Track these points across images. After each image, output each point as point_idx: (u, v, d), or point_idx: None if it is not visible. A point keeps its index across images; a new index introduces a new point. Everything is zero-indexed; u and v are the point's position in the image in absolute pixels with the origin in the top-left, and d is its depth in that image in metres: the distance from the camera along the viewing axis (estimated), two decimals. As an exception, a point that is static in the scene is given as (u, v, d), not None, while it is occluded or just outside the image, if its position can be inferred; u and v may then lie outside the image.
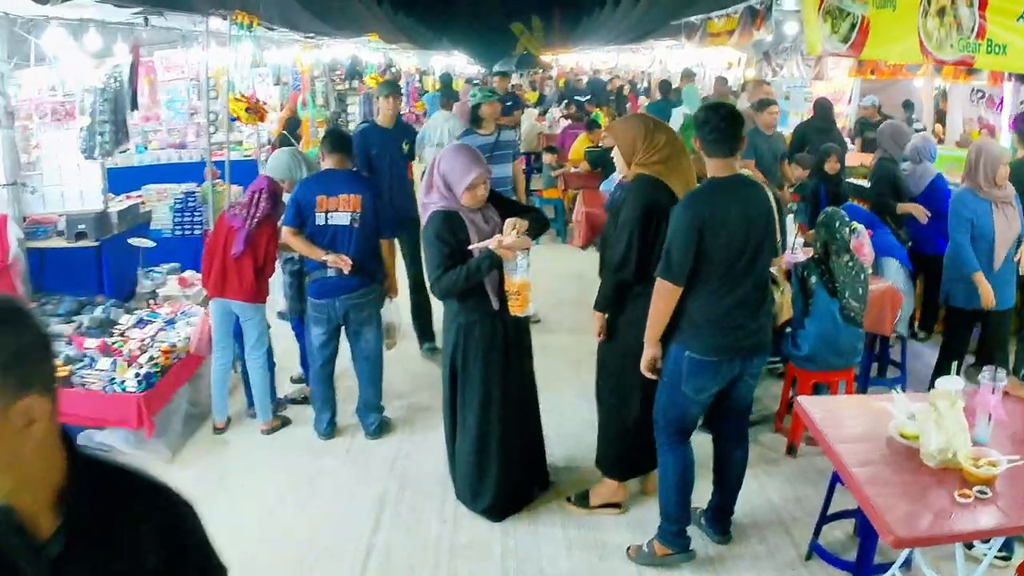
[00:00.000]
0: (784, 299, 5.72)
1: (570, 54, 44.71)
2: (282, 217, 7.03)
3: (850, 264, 6.88)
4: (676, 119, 14.46)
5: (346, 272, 6.81)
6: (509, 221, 5.43)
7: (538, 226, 5.73)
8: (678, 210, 5.03)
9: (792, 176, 10.21)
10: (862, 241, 7.14)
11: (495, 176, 7.86)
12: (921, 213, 8.62)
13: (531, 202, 15.35)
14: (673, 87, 17.62)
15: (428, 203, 5.63)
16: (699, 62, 21.69)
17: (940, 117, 16.47)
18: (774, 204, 5.28)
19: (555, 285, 11.31)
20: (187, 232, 10.48)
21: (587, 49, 38.18)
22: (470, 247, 5.46)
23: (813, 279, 6.85)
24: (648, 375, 5.35)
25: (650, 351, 5.31)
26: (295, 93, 15.04)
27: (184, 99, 13.38)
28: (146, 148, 13.69)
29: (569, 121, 19.96)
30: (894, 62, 11.44)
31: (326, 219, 6.82)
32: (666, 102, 16.68)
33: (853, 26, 8.08)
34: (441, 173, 5.52)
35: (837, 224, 6.92)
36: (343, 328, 7.21)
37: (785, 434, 7.28)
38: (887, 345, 8.53)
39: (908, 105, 15.69)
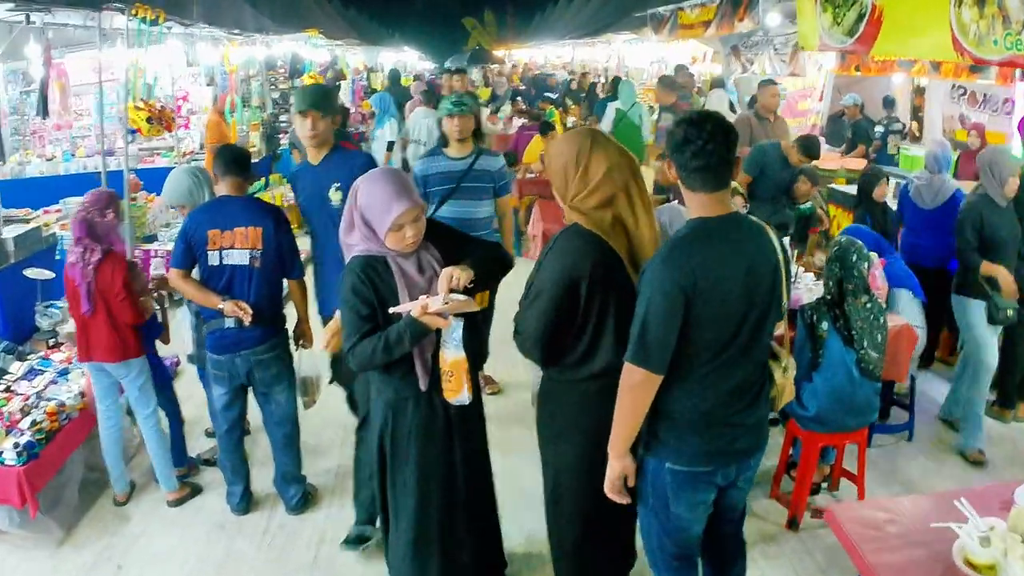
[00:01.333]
0: (787, 379, 4.19)
1: (524, 49, 43.36)
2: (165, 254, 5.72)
3: (868, 306, 5.64)
4: (608, 115, 13.95)
5: (247, 322, 5.47)
6: (445, 273, 3.99)
7: (492, 272, 4.40)
8: (655, 269, 3.65)
9: (799, 193, 8.96)
10: (874, 272, 5.95)
11: (462, 217, 6.96)
12: (1010, 286, 6.76)
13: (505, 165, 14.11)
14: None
15: (349, 244, 4.22)
16: (660, 57, 20.41)
17: (915, 114, 15.37)
18: (781, 251, 3.88)
19: (510, 308, 10.00)
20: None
21: (541, 44, 36.80)
22: (391, 310, 4.06)
23: (825, 325, 5.61)
24: (614, 497, 3.96)
25: (617, 465, 3.89)
26: (223, 95, 13.61)
27: (114, 102, 12.60)
28: (73, 155, 12.55)
29: (524, 121, 18.62)
30: (915, 59, 10.17)
31: (220, 258, 5.47)
32: (604, 99, 16.02)
33: (861, 16, 6.83)
34: (359, 208, 4.09)
35: (854, 258, 5.64)
36: (249, 388, 5.90)
37: (784, 503, 6.07)
38: (891, 384, 7.31)
39: (888, 102, 14.50)
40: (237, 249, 5.44)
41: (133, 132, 8.94)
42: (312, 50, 18.94)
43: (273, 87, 18.24)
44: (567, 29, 29.96)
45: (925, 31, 5.98)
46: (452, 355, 4.06)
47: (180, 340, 6.85)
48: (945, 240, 7.57)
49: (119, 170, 12.20)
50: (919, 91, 15.67)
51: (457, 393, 4.13)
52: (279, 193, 13.73)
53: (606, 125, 14.39)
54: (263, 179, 13.93)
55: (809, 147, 8.68)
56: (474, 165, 7.03)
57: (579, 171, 3.90)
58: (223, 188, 5.65)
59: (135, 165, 13.09)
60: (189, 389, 7.28)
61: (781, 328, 4.25)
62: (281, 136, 17.01)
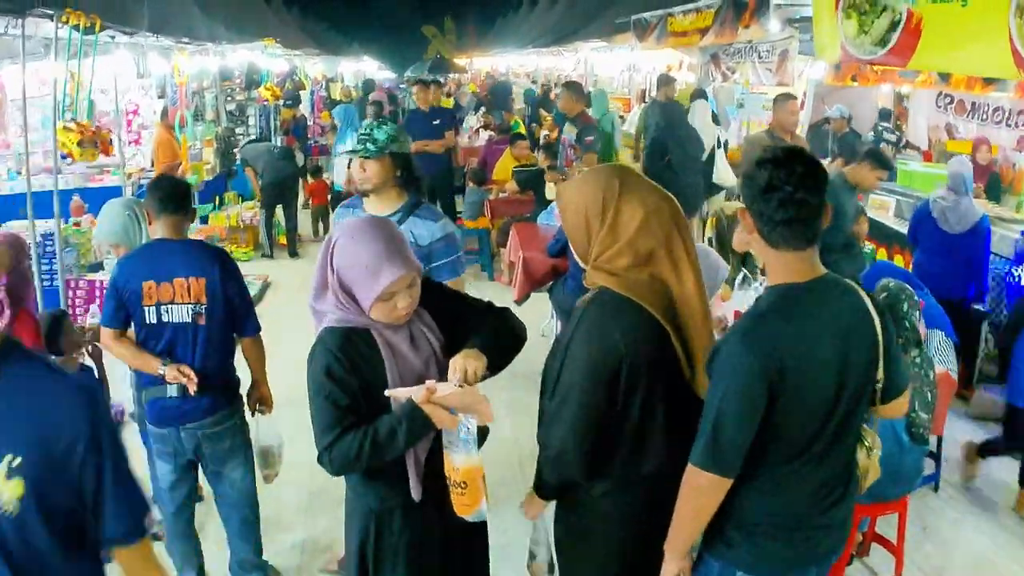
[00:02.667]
0: (871, 461, 3.30)
1: (485, 57, 42.41)
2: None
3: (918, 361, 4.87)
4: None
5: (192, 391, 4.49)
6: (456, 366, 3.09)
7: (507, 350, 3.39)
8: (732, 353, 2.85)
9: (859, 235, 7.87)
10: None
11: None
12: None
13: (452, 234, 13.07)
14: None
15: (320, 311, 3.30)
16: (631, 64, 19.51)
17: (895, 124, 14.58)
18: (880, 320, 3.01)
19: None
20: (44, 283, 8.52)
21: (504, 52, 35.87)
22: (388, 392, 3.12)
23: (871, 385, 4.69)
24: None
25: (674, 566, 3.11)
26: (173, 109, 12.61)
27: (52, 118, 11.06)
28: (19, 174, 11.56)
29: (491, 133, 17.66)
30: (965, 76, 9.33)
31: (158, 315, 4.52)
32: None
33: (895, 25, 5.94)
34: (337, 269, 3.16)
35: (906, 307, 4.81)
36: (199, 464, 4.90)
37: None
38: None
39: (885, 114, 13.66)
40: (177, 304, 4.50)
41: (64, 157, 7.90)
42: (269, 60, 17.94)
43: (229, 99, 17.21)
44: (531, 36, 29.11)
45: (976, 43, 5.11)
46: (464, 460, 3.10)
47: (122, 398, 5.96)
48: (967, 268, 7.15)
49: (67, 189, 11.35)
50: (899, 99, 14.94)
51: (473, 507, 3.17)
52: (234, 213, 12.76)
53: None
54: (216, 198, 12.90)
55: (883, 159, 7.78)
56: (410, 217, 4.77)
57: (606, 223, 3.08)
58: (158, 229, 4.69)
59: (82, 184, 12.23)
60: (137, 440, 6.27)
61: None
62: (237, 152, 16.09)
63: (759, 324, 2.90)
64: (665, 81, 13.84)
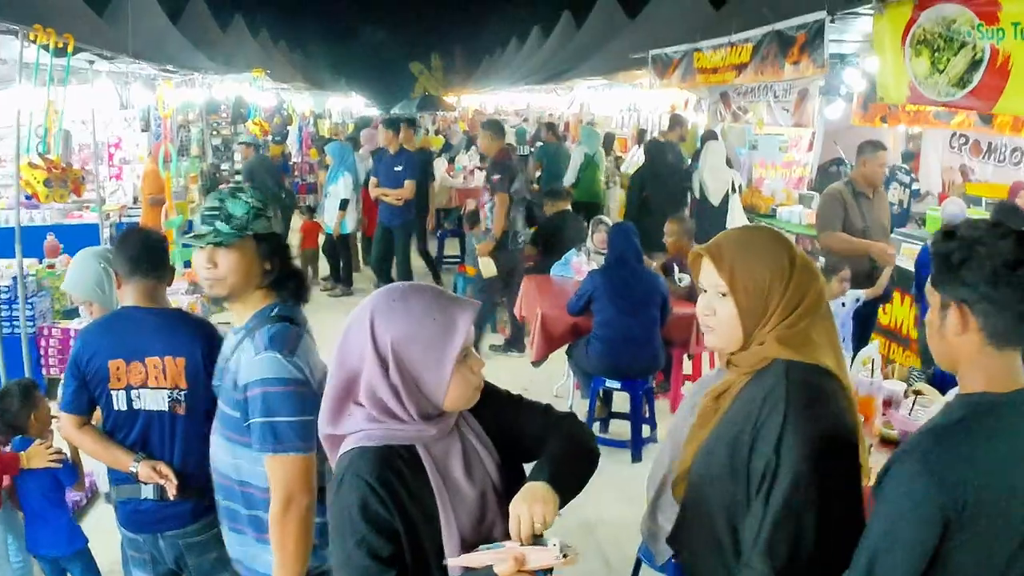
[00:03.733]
0: None
1: (474, 95, 41.64)
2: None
3: None
4: (576, 158, 14.21)
5: (172, 494, 3.58)
6: (521, 518, 2.23)
7: (581, 476, 2.54)
8: (907, 477, 2.20)
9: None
10: None
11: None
12: None
13: (447, 280, 12.61)
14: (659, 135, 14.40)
15: (339, 435, 2.39)
16: (631, 104, 18.71)
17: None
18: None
19: None
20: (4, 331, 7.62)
21: (494, 90, 35.08)
22: (448, 562, 2.30)
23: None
24: None
25: None
26: (157, 143, 11.71)
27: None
28: None
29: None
30: None
31: (128, 401, 3.60)
32: (557, 145, 16.05)
33: (975, 63, 5.11)
34: (393, 348, 2.30)
35: None
36: (181, 576, 3.95)
37: None
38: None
39: (908, 156, 12.83)
40: (151, 388, 3.58)
41: (28, 197, 7.01)
42: (257, 93, 17.09)
43: (215, 133, 16.32)
44: (521, 74, 28.39)
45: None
46: None
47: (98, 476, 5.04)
48: None
49: (42, 226, 10.47)
50: (908, 139, 14.18)
51: None
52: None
53: (572, 169, 14.22)
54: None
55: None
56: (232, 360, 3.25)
57: (785, 288, 2.55)
58: (129, 295, 3.75)
59: (59, 220, 11.37)
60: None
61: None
62: (224, 188, 15.04)
63: (945, 443, 2.19)
64: (677, 121, 13.04)
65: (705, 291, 2.64)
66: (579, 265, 8.66)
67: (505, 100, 34.01)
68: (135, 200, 12.52)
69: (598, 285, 7.11)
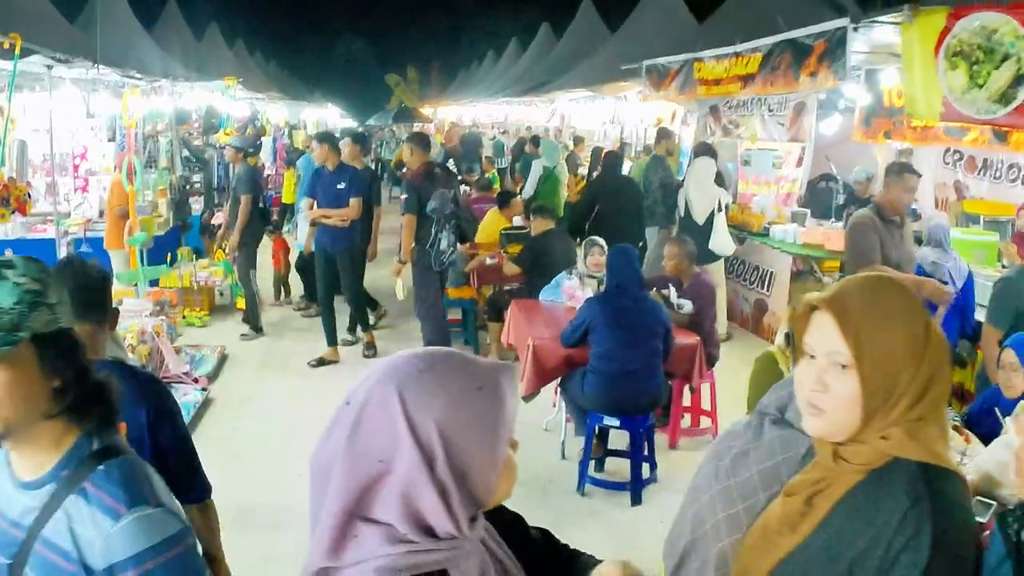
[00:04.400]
0: None
1: (450, 107, 40.92)
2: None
3: None
4: (535, 171, 14.43)
5: None
6: None
7: None
8: None
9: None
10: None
11: None
12: None
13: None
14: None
15: (334, 567, 1.63)
16: (613, 116, 18.08)
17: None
18: None
19: None
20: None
21: (472, 101, 34.39)
22: None
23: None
24: None
25: None
26: (121, 155, 10.97)
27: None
28: None
29: (466, 188, 16.08)
30: None
31: None
32: (536, 157, 15.57)
33: (1021, 77, 4.44)
34: (443, 434, 1.60)
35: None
36: None
37: None
38: None
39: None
40: None
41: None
42: (230, 102, 16.36)
43: (184, 144, 15.52)
44: (499, 86, 27.75)
45: None
46: None
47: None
48: (962, 319, 7.14)
49: (3, 240, 9.76)
50: (903, 154, 13.63)
51: None
52: (187, 272, 11.08)
53: (532, 181, 14.44)
54: (168, 256, 11.19)
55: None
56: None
57: (921, 364, 1.96)
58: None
59: (23, 234, 10.85)
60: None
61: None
62: (194, 199, 14.33)
63: None
64: (664, 135, 12.40)
65: (813, 357, 2.01)
66: (571, 290, 7.99)
67: (483, 112, 33.37)
68: (101, 214, 11.78)
69: (596, 314, 6.45)
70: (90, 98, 12.18)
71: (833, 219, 12.10)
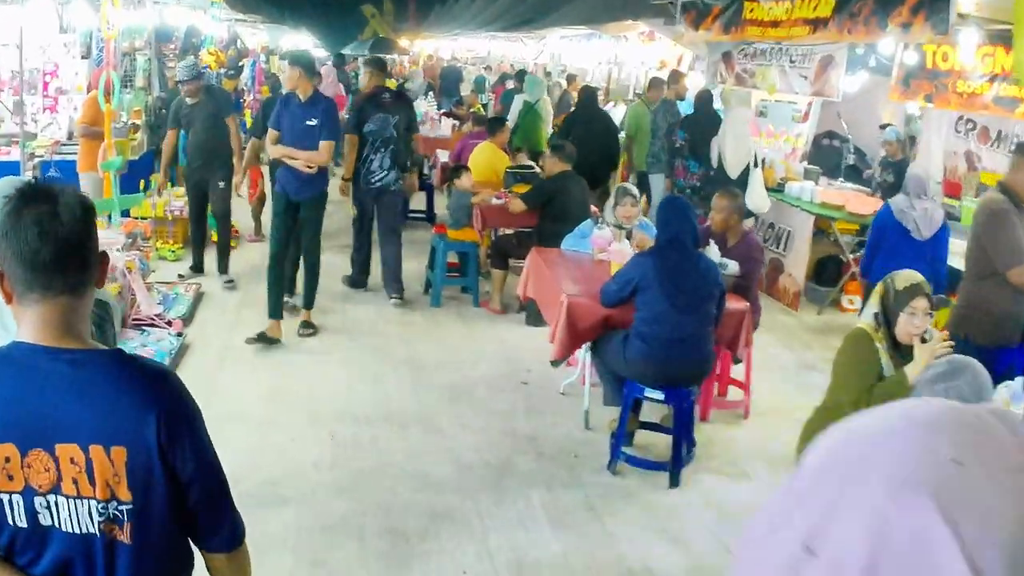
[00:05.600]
0: None
1: (429, 39, 39.46)
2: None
3: None
4: (516, 105, 14.16)
5: None
6: None
7: None
8: None
9: None
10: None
11: None
12: None
13: (416, 239, 10.91)
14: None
15: None
16: (613, 57, 17.08)
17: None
18: None
19: (484, 402, 7.07)
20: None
21: (453, 35, 33.06)
22: None
23: None
24: None
25: None
26: (98, 70, 9.94)
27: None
28: None
29: (455, 122, 15.11)
30: None
31: (32, 514, 2.03)
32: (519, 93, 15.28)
33: None
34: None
35: None
36: None
37: None
38: None
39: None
40: (68, 497, 2.02)
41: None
42: (213, 23, 15.25)
43: (163, 65, 14.33)
44: (484, 20, 26.54)
45: None
46: None
47: None
48: (932, 269, 6.63)
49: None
50: (913, 119, 12.85)
51: None
52: (162, 201, 10.05)
53: (514, 114, 13.98)
54: (141, 184, 10.15)
55: None
56: None
57: None
58: (27, 321, 2.03)
59: None
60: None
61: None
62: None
63: None
64: (674, 79, 11.52)
65: None
66: (602, 241, 7.09)
67: (463, 47, 32.15)
68: (70, 136, 10.78)
69: (647, 272, 5.60)
70: (64, 11, 11.12)
71: (842, 179, 11.30)
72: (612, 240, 7.03)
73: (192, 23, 14.67)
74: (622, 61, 16.97)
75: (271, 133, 7.93)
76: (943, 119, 10.61)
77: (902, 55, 8.93)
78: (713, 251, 6.68)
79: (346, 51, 34.95)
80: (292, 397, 6.75)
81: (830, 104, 12.08)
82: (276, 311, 7.81)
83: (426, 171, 14.44)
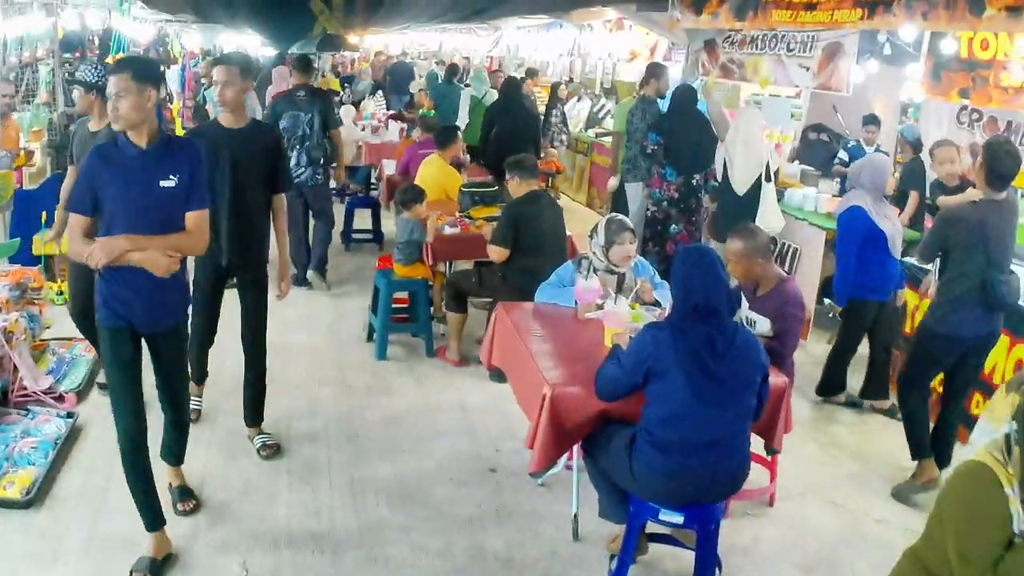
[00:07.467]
0: None
1: (379, 34, 37.79)
2: None
3: None
4: (464, 101, 13.97)
5: None
6: None
7: None
8: None
9: None
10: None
11: None
12: None
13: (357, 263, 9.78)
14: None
15: None
16: (574, 47, 15.46)
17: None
18: None
19: (442, 506, 5.41)
20: None
21: (403, 29, 31.40)
22: None
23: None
24: None
25: None
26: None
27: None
28: None
29: (403, 126, 13.42)
30: None
31: None
32: (448, 84, 15.37)
33: None
34: None
35: None
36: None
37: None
38: None
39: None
40: None
41: None
42: (134, 25, 13.50)
43: (71, 76, 12.52)
44: (435, 11, 24.90)
45: None
46: None
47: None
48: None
49: None
50: (904, 109, 11.44)
51: None
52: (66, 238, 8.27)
53: (464, 111, 13.76)
54: (43, 217, 8.26)
55: None
56: None
57: None
58: None
59: None
60: None
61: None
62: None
63: None
64: (653, 73, 9.95)
65: None
66: (590, 295, 5.35)
67: (414, 41, 30.50)
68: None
69: (664, 353, 3.95)
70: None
71: (835, 180, 9.75)
72: (600, 292, 5.34)
73: (108, 26, 12.91)
74: (586, 52, 15.36)
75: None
76: (943, 109, 9.17)
77: (929, 42, 7.46)
78: (743, 307, 5.15)
79: (294, 49, 33.26)
80: (198, 513, 5.12)
81: (819, 94, 10.59)
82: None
83: (373, 182, 12.88)
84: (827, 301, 7.85)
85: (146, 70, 4.32)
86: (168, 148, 4.35)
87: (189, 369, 5.21)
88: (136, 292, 4.31)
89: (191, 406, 5.59)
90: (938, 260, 5.70)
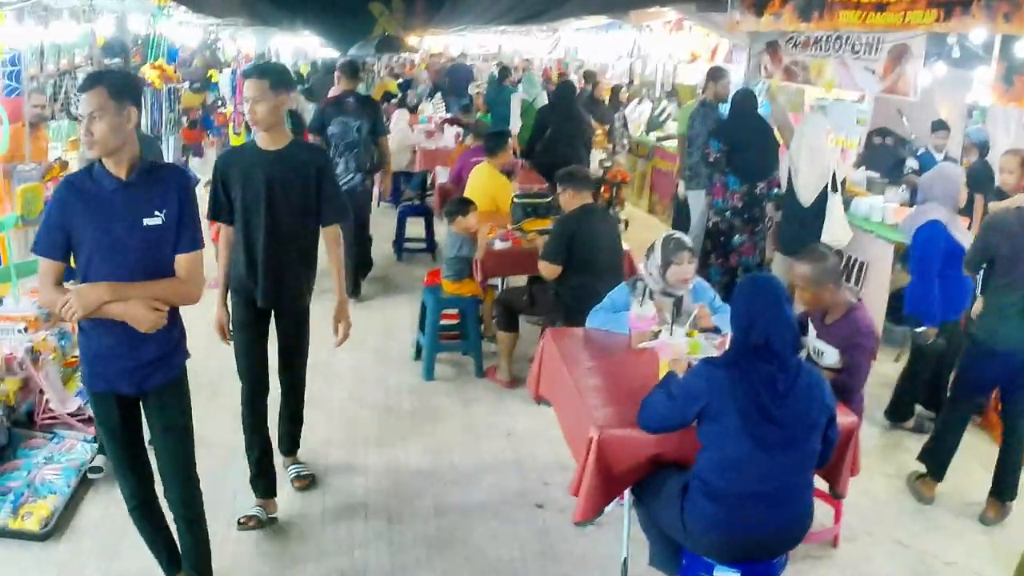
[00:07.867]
0: None
1: (438, 36, 37.64)
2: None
3: None
4: (515, 105, 13.77)
5: None
6: None
7: None
8: None
9: None
10: None
11: None
12: None
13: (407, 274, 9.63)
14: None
15: None
16: (634, 50, 15.12)
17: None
18: None
19: (483, 550, 5.08)
20: None
21: (461, 31, 31.20)
22: None
23: None
24: None
25: None
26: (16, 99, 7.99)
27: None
28: None
29: (459, 131, 13.04)
30: None
31: None
32: (500, 87, 15.67)
33: None
34: None
35: None
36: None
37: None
38: None
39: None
40: None
41: None
42: (181, 29, 13.31)
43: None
44: (496, 13, 24.63)
45: None
46: None
47: None
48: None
49: None
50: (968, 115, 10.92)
51: None
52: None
53: (516, 114, 13.56)
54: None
55: None
56: None
57: None
58: None
59: None
60: None
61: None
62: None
63: None
64: (717, 75, 9.57)
65: None
66: (644, 324, 4.95)
67: (474, 43, 30.26)
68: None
69: (720, 392, 3.57)
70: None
71: (902, 188, 9.25)
72: (656, 320, 4.95)
73: (150, 31, 12.69)
74: (646, 54, 14.98)
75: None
76: (1011, 115, 8.71)
77: (1001, 45, 7.01)
78: (810, 334, 4.76)
79: (353, 51, 33.22)
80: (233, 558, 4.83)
81: (884, 99, 10.12)
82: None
83: (428, 190, 12.57)
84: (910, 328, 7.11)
85: (124, 85, 3.66)
86: (152, 178, 3.71)
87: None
88: (120, 348, 3.73)
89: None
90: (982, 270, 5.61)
